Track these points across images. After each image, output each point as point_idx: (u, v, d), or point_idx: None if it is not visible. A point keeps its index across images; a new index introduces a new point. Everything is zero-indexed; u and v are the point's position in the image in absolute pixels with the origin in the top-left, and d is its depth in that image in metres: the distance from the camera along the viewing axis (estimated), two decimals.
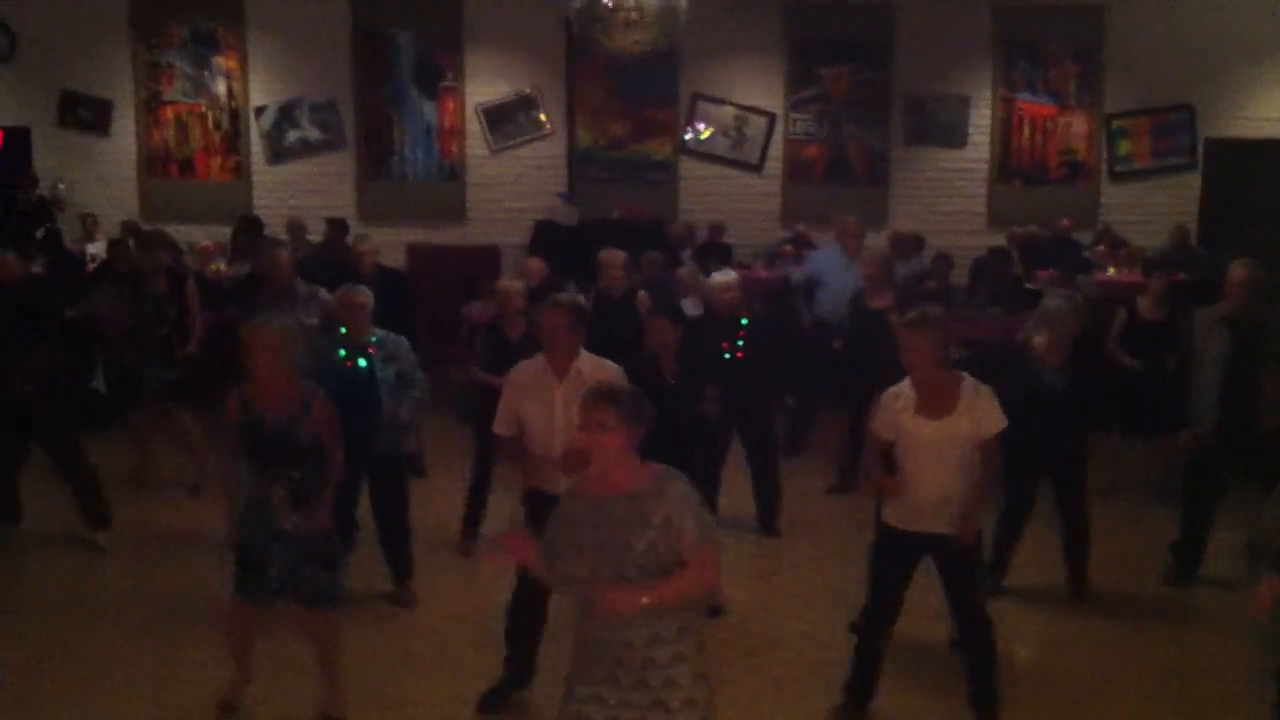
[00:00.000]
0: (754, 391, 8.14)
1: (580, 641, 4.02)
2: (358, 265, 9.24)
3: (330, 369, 6.72)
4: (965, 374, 5.60)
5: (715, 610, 6.80)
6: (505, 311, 7.97)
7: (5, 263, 8.43)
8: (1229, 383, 7.22)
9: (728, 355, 8.00)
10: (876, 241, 12.23)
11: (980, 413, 5.46)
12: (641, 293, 9.34)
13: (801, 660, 6.55)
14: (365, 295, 7.02)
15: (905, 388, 5.58)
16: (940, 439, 5.43)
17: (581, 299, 6.06)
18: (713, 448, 7.78)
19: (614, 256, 9.30)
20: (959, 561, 5.60)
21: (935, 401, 5.47)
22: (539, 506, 5.25)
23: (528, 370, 5.61)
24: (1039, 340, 7.23)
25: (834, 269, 10.51)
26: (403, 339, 7.16)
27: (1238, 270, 7.35)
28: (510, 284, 8.16)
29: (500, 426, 5.64)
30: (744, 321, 8.19)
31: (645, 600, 3.81)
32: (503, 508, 7.66)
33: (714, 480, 7.72)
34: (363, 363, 6.88)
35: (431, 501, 8.57)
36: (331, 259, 11.33)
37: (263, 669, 6.01)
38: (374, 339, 6.98)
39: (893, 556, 5.71)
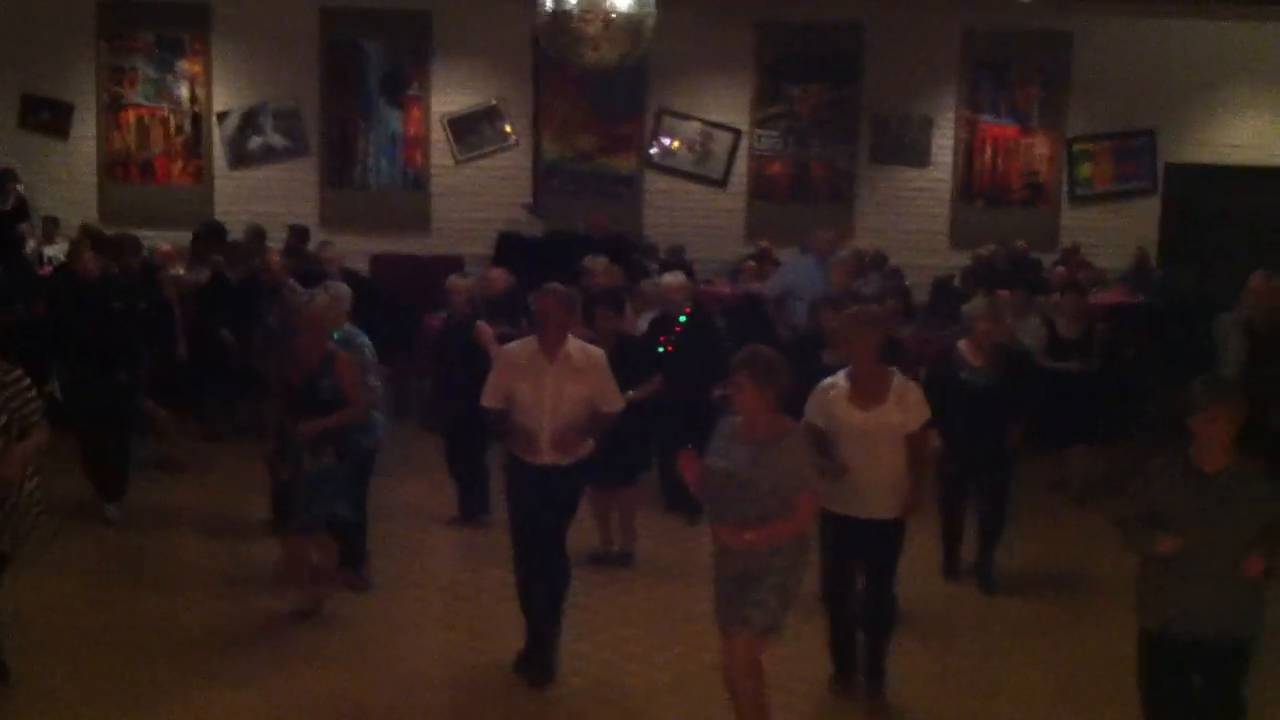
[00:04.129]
0: (685, 385, 8.24)
1: (719, 574, 5.16)
2: (321, 271, 9.37)
3: None
4: (895, 369, 5.98)
5: (626, 557, 7.83)
6: (449, 305, 8.62)
7: (83, 260, 8.74)
8: (1245, 382, 7.44)
9: (660, 349, 8.45)
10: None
11: (908, 405, 5.86)
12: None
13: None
14: (347, 294, 7.41)
15: (840, 379, 5.93)
16: (870, 428, 5.79)
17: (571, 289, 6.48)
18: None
19: (596, 263, 9.63)
20: (881, 545, 5.96)
21: (867, 392, 5.84)
22: (519, 474, 6.05)
23: (521, 351, 6.04)
24: (961, 342, 7.54)
25: (810, 281, 10.52)
26: (363, 337, 7.30)
27: (1257, 279, 7.90)
28: (453, 280, 8.71)
29: (489, 399, 6.06)
30: (681, 319, 8.64)
31: (749, 538, 4.92)
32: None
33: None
34: None
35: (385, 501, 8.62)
36: (295, 265, 11.27)
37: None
38: (338, 335, 7.07)
39: (834, 538, 6.07)
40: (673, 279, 9.01)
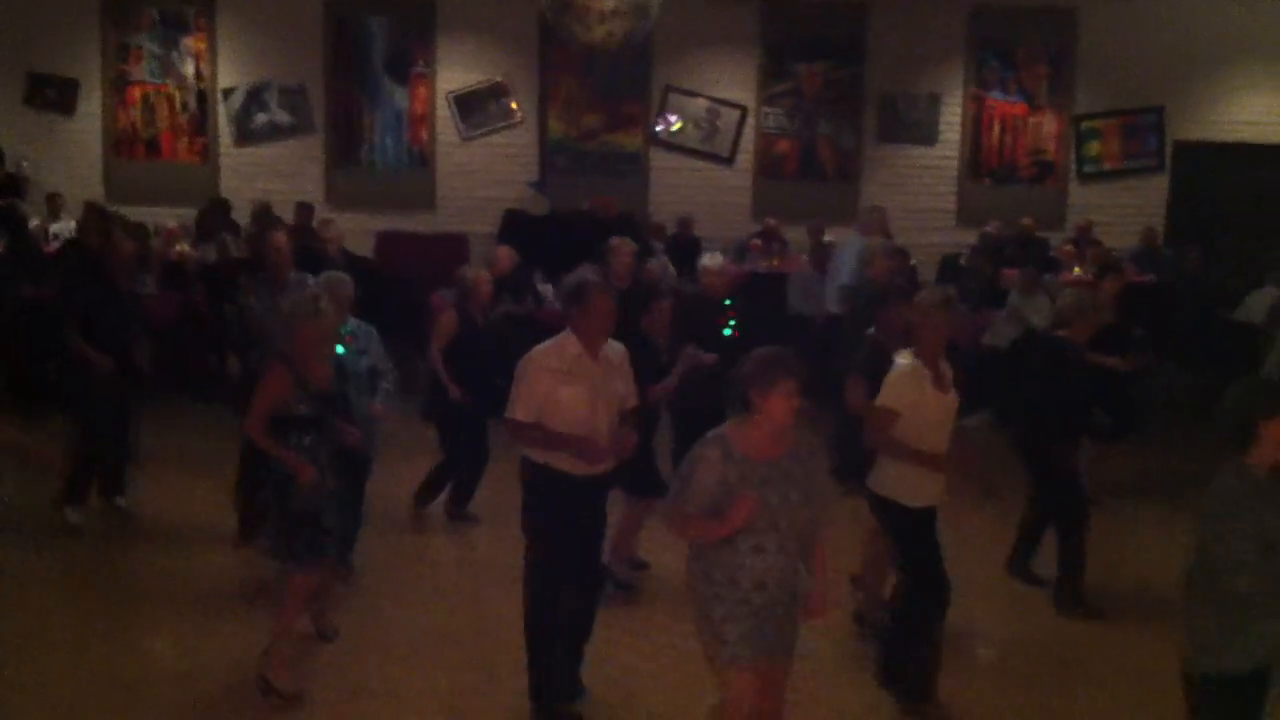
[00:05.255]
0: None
1: (750, 604, 4.46)
2: (323, 250, 9.23)
3: None
4: None
5: (640, 565, 7.34)
6: (472, 300, 8.09)
7: (121, 243, 8.22)
8: None
9: (727, 332, 8.22)
10: (844, 236, 12.18)
11: (956, 382, 5.77)
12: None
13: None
14: (350, 286, 7.12)
15: (913, 361, 5.66)
16: (948, 411, 5.71)
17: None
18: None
19: (624, 244, 9.05)
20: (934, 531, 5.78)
21: (943, 375, 5.72)
22: (565, 491, 5.40)
23: (557, 354, 5.40)
24: (1072, 334, 7.00)
25: None
26: (373, 330, 7.24)
27: None
28: (479, 273, 8.26)
29: (525, 413, 5.37)
30: (728, 302, 8.45)
31: (829, 602, 4.70)
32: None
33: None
34: (340, 349, 6.85)
35: (386, 486, 8.47)
36: (299, 243, 11.23)
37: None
38: (349, 329, 6.99)
39: (922, 534, 5.69)
40: (712, 261, 8.66)
